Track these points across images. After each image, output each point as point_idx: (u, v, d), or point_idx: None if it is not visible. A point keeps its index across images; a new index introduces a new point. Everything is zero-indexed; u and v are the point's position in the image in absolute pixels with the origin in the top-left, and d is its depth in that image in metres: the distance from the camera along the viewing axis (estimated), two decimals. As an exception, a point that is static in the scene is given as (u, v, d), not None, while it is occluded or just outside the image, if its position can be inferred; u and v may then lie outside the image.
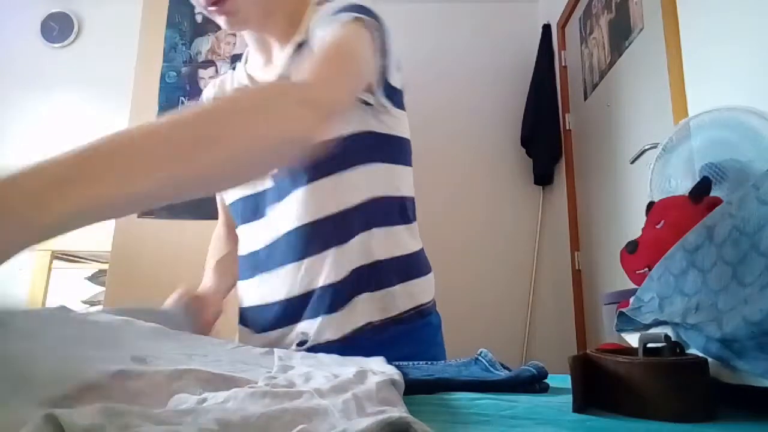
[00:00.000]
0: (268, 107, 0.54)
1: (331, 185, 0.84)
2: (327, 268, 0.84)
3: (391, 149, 0.90)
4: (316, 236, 0.85)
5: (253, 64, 0.96)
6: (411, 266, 0.90)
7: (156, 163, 0.43)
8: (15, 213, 0.35)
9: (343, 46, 0.71)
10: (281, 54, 0.89)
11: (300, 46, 0.85)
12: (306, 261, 0.85)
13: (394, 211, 0.90)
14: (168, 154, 0.45)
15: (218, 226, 1.12)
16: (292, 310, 0.86)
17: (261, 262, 0.90)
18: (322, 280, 0.84)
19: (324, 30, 0.76)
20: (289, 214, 0.86)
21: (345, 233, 0.85)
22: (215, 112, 0.51)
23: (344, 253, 0.85)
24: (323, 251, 0.85)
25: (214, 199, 1.11)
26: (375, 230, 0.87)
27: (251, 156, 0.52)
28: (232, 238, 1.03)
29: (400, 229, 0.90)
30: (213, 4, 0.79)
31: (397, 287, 0.86)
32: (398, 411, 0.31)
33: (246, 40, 0.95)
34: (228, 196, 0.98)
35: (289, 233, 0.86)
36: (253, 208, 0.92)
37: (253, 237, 0.92)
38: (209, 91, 1.04)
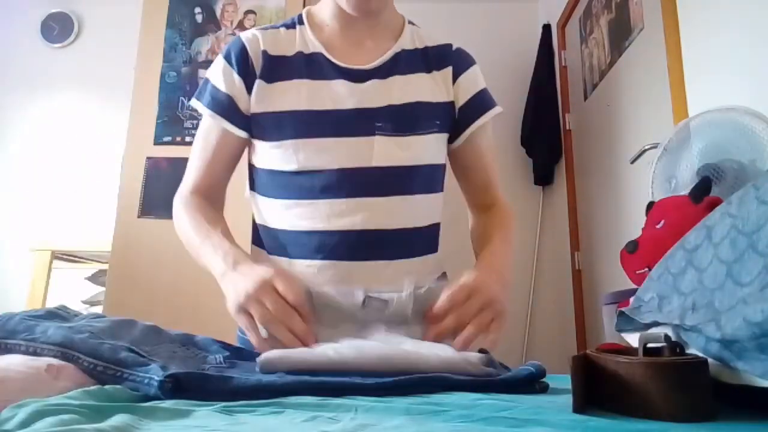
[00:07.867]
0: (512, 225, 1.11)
1: (427, 201, 0.97)
2: (414, 273, 0.91)
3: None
4: (413, 241, 0.94)
5: (331, 38, 0.97)
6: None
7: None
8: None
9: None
10: (374, 48, 0.98)
11: (398, 54, 0.98)
12: (395, 263, 0.92)
13: (439, 235, 1.04)
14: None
15: (195, 197, 1.00)
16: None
17: (339, 248, 0.89)
18: (405, 286, 0.87)
19: (486, 134, 1.07)
20: (392, 212, 0.91)
21: (426, 246, 0.97)
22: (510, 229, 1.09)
23: (425, 263, 0.97)
24: (412, 258, 0.94)
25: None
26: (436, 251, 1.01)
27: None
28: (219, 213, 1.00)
29: (439, 254, 1.03)
30: None
31: None
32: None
33: (332, 15, 0.97)
34: (299, 161, 0.90)
35: (386, 231, 0.90)
36: (337, 185, 0.89)
37: (331, 215, 0.89)
38: (250, 39, 0.95)
